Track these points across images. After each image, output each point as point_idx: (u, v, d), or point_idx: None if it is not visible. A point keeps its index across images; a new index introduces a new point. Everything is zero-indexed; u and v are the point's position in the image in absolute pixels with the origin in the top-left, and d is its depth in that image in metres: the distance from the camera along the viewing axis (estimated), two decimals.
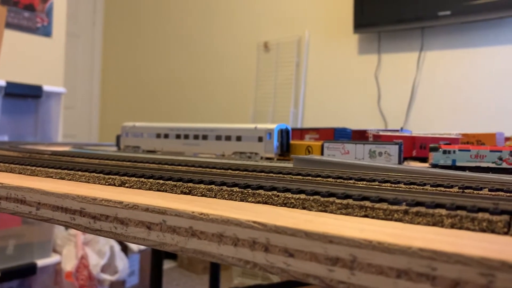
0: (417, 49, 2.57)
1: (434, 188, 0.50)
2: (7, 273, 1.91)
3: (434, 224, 0.35)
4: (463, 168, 0.81)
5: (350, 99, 2.84)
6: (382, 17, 2.57)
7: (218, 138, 1.06)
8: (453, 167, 0.81)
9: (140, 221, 0.41)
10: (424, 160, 1.08)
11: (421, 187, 0.51)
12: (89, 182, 0.56)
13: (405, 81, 2.63)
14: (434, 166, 0.84)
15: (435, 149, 0.85)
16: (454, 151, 0.81)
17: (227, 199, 0.45)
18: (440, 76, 2.52)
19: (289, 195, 0.43)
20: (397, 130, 1.24)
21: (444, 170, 0.75)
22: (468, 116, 2.42)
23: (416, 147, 1.08)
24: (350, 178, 0.57)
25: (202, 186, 0.48)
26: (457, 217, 0.34)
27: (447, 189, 0.50)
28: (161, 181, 0.51)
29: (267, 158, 1.00)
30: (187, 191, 0.48)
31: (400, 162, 0.89)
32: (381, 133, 1.14)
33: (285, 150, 1.02)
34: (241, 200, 0.45)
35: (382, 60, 2.72)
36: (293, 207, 0.42)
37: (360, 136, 1.25)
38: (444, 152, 0.82)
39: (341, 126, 1.26)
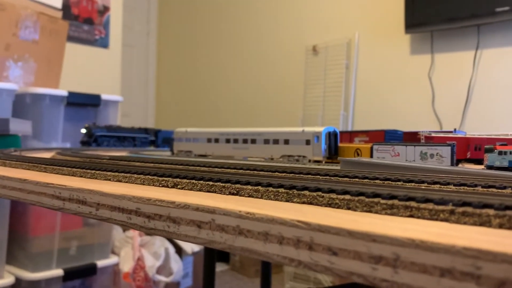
0: (473, 47, 2.48)
1: (485, 189, 0.49)
2: (70, 273, 2.02)
3: (481, 224, 0.34)
4: None
5: (403, 101, 2.77)
6: (435, 16, 2.50)
7: (266, 141, 1.08)
8: (510, 168, 0.78)
9: (191, 220, 0.43)
10: (479, 162, 1.04)
11: (472, 188, 0.50)
12: (144, 184, 0.60)
13: (461, 81, 2.54)
14: (489, 167, 0.81)
15: (490, 150, 0.82)
16: (510, 152, 0.78)
17: (273, 200, 0.46)
18: (498, 75, 2.41)
19: (334, 195, 0.43)
20: (451, 132, 1.20)
21: (500, 171, 0.72)
22: None
23: (470, 149, 1.04)
24: (398, 180, 0.57)
25: (249, 187, 0.50)
26: (506, 217, 0.34)
27: (499, 190, 0.48)
28: (211, 183, 0.53)
29: (315, 161, 1.00)
30: (235, 192, 0.50)
31: (452, 164, 0.87)
32: (433, 134, 1.11)
33: (333, 153, 1.02)
34: (287, 201, 0.46)
35: (435, 60, 2.64)
36: (337, 208, 0.42)
37: (411, 138, 1.22)
38: (500, 153, 0.80)
39: (393, 128, 1.25)
